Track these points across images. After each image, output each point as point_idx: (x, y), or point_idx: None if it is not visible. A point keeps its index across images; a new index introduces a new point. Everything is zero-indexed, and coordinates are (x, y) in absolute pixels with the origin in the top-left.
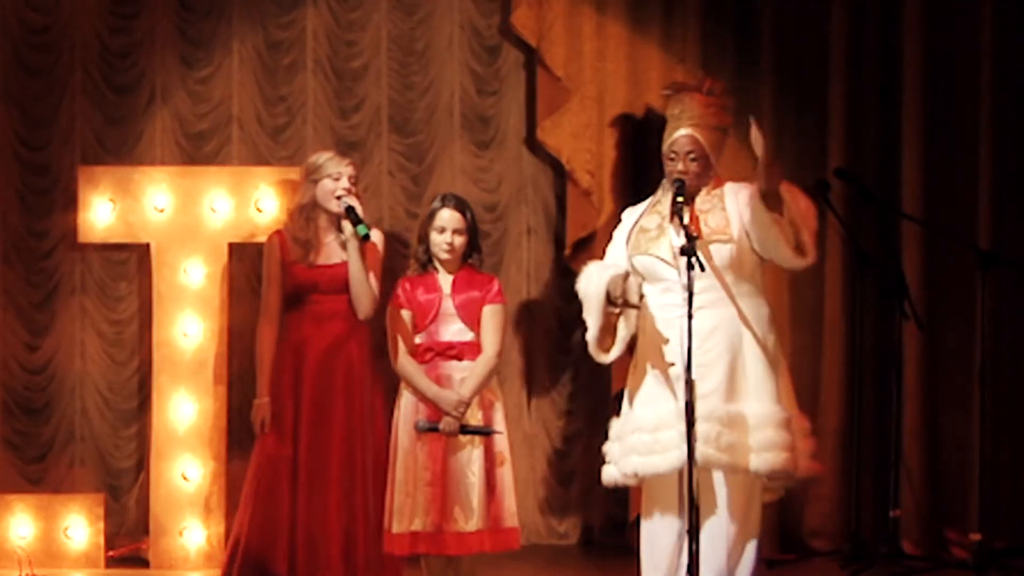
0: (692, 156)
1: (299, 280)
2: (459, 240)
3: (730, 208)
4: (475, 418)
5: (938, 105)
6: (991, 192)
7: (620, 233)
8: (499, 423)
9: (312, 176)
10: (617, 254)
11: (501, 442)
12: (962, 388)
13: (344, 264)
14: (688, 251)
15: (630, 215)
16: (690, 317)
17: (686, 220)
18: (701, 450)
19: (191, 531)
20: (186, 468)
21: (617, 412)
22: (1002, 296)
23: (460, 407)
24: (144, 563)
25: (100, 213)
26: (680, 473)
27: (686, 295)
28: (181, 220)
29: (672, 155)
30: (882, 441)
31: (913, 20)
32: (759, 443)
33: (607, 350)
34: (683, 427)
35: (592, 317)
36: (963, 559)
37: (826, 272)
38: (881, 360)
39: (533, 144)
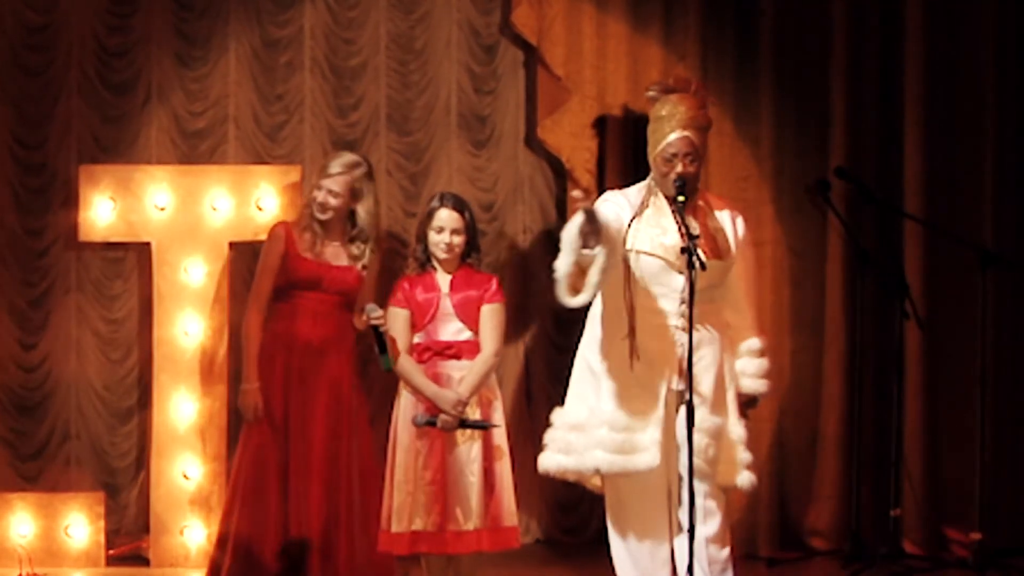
0: (691, 158)
1: (303, 273)
2: (458, 240)
3: (728, 231)
4: (474, 416)
5: (939, 104)
6: (993, 191)
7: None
8: (498, 422)
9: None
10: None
11: (499, 436)
12: (962, 388)
13: (350, 269)
14: (690, 250)
15: (615, 198)
16: (690, 319)
17: (688, 222)
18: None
19: (192, 530)
20: (187, 467)
21: (561, 402)
22: (1003, 296)
23: (459, 407)
24: (145, 562)
25: (101, 212)
26: (653, 487)
27: (685, 300)
28: (182, 219)
29: (671, 157)
30: (882, 441)
31: (914, 19)
32: (743, 460)
33: (576, 293)
34: (656, 434)
35: (564, 256)
36: (963, 559)
37: (826, 272)
38: (881, 360)
39: (530, 143)
